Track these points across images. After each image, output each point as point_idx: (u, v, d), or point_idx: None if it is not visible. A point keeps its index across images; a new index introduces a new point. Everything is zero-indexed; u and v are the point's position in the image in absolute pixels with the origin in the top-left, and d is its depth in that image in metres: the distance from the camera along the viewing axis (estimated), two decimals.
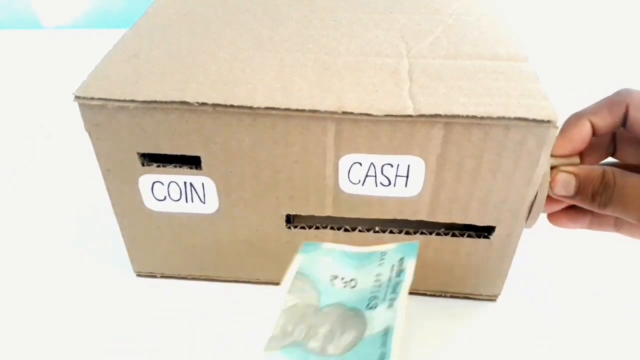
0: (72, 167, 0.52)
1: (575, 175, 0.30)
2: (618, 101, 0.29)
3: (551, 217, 0.34)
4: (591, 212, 0.33)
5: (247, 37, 0.36)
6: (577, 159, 0.31)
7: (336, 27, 0.37)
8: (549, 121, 0.28)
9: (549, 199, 0.32)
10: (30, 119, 0.61)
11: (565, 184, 0.30)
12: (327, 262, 0.31)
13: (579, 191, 0.30)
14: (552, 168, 0.31)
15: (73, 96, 0.30)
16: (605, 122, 0.30)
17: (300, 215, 0.36)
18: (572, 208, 0.33)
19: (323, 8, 0.40)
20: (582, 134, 0.30)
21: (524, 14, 0.77)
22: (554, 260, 0.42)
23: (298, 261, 0.31)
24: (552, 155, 0.30)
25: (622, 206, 0.28)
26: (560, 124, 0.29)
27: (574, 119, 0.30)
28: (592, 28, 0.81)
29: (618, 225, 0.33)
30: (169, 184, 0.34)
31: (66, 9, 0.82)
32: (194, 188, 0.34)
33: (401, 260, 0.29)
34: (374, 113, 0.29)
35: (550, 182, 0.31)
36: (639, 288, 0.40)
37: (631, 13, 0.82)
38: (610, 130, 0.31)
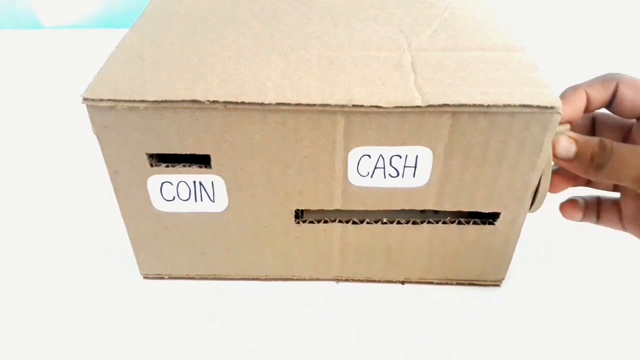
0: (74, 168, 0.52)
1: (575, 140, 0.32)
2: (610, 77, 0.32)
3: (562, 208, 0.36)
4: (598, 205, 0.35)
5: (248, 36, 0.36)
6: (568, 127, 0.32)
7: (335, 24, 0.38)
8: (552, 107, 0.29)
9: (553, 181, 0.33)
10: (31, 119, 0.60)
11: (567, 147, 0.32)
12: None
13: (578, 155, 0.31)
14: None
15: (81, 98, 0.30)
16: (598, 94, 0.32)
17: (308, 210, 0.36)
18: (576, 201, 0.35)
19: (320, 5, 0.41)
20: (579, 103, 0.32)
21: (514, 4, 0.79)
22: (557, 244, 0.44)
23: None
24: None
25: (617, 168, 0.30)
26: (562, 110, 0.30)
27: (572, 89, 0.33)
28: (583, 15, 0.84)
29: (623, 221, 0.34)
30: (178, 183, 0.34)
31: (66, 9, 0.81)
32: (204, 187, 0.34)
33: None
34: (384, 105, 0.30)
35: (553, 147, 0.32)
36: None
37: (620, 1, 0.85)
38: (601, 105, 0.33)
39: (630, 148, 0.30)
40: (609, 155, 0.30)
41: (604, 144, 0.30)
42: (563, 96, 0.32)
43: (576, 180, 0.35)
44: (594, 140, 0.31)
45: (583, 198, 0.36)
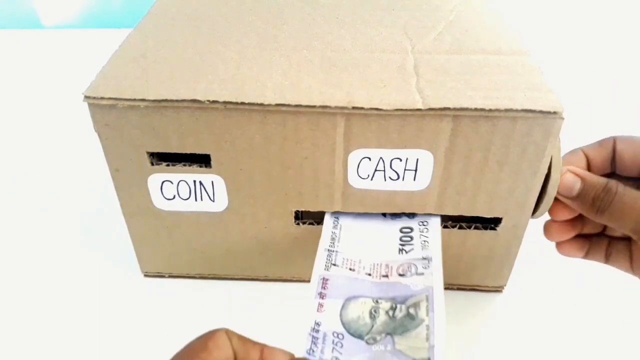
0: (75, 166, 0.52)
1: (582, 178, 0.31)
2: (606, 138, 0.32)
3: (560, 247, 0.35)
4: (608, 244, 0.34)
5: (252, 36, 0.36)
6: (583, 160, 0.32)
7: (340, 25, 0.38)
8: (555, 112, 0.29)
9: (554, 205, 0.33)
10: (31, 119, 0.61)
11: (571, 184, 0.31)
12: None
13: (581, 194, 0.31)
14: None
15: (82, 96, 0.30)
16: (597, 154, 0.32)
17: (308, 212, 0.36)
18: (579, 237, 0.35)
19: (325, 6, 0.41)
20: (577, 164, 0.32)
21: (521, 8, 0.78)
22: None
23: None
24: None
25: (618, 215, 0.29)
26: (565, 115, 0.29)
27: (570, 152, 0.33)
28: (590, 20, 0.83)
29: (632, 264, 0.33)
30: (179, 182, 0.34)
31: (66, 9, 0.82)
32: (204, 186, 0.34)
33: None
34: (384, 107, 0.29)
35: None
36: None
37: (625, 4, 0.84)
38: (602, 165, 0.32)
39: (634, 196, 0.29)
40: (611, 199, 0.29)
41: (609, 186, 0.30)
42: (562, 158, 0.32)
43: (590, 237, 0.34)
44: (601, 181, 0.30)
45: (587, 237, 0.35)
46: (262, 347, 0.25)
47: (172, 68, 0.32)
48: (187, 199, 0.35)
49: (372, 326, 0.29)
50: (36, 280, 0.41)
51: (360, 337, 0.28)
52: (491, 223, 0.36)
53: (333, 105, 0.30)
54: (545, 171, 0.32)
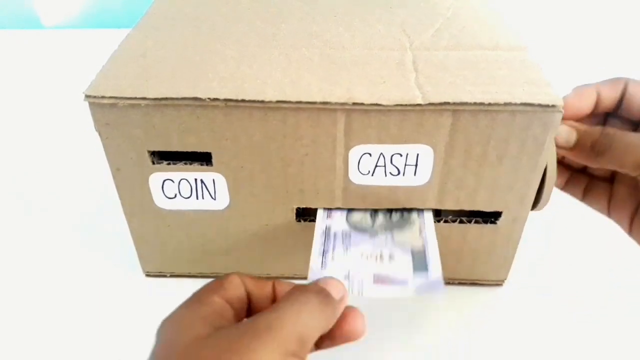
0: (76, 166, 0.52)
1: (576, 128, 0.32)
2: (619, 78, 0.32)
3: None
4: (588, 182, 0.35)
5: (251, 35, 0.36)
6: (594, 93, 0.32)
7: (338, 23, 0.38)
8: (553, 106, 0.29)
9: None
10: (32, 119, 0.61)
11: (567, 135, 0.32)
12: None
13: (578, 143, 0.31)
14: None
15: (83, 95, 0.30)
16: (608, 92, 0.32)
17: (309, 208, 0.36)
18: (560, 166, 0.35)
19: (323, 4, 0.41)
20: (588, 97, 0.32)
21: (517, 3, 0.78)
22: (560, 244, 0.43)
23: None
24: None
25: (620, 154, 0.30)
26: (563, 109, 0.30)
27: (582, 86, 0.33)
28: (586, 14, 0.83)
29: (610, 205, 0.34)
30: (180, 181, 0.34)
31: (66, 9, 0.82)
32: (205, 184, 0.34)
33: None
34: (384, 103, 0.30)
35: None
36: None
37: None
38: (610, 104, 0.32)
39: (635, 134, 0.30)
40: (610, 141, 0.30)
41: (607, 130, 0.30)
42: (574, 90, 0.32)
43: (572, 170, 0.35)
44: (597, 128, 0.31)
45: (570, 168, 0.36)
46: (274, 282, 0.27)
47: (172, 67, 0.32)
48: (188, 197, 0.35)
49: (373, 224, 0.35)
50: (37, 280, 0.41)
51: (364, 232, 0.34)
52: (491, 217, 0.36)
53: (333, 101, 0.30)
54: (544, 165, 0.32)
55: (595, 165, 0.31)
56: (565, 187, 0.36)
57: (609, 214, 0.34)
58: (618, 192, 0.34)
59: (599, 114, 0.33)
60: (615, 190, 0.34)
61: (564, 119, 0.31)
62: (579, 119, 0.32)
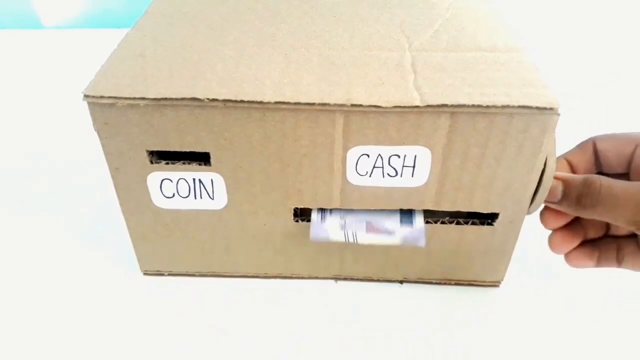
0: (75, 166, 0.52)
1: (562, 180, 0.31)
2: (585, 141, 0.33)
3: (568, 258, 0.35)
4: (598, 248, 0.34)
5: (250, 35, 0.36)
6: (565, 167, 0.33)
7: (337, 23, 0.38)
8: (551, 108, 0.29)
9: (545, 214, 0.34)
10: (31, 119, 0.60)
11: (553, 189, 0.31)
12: None
13: (565, 195, 0.31)
14: None
15: (82, 95, 0.30)
16: (579, 158, 0.33)
17: (307, 209, 0.37)
18: (587, 245, 0.34)
19: (322, 4, 0.41)
20: (561, 169, 0.33)
21: (516, 5, 0.79)
22: None
23: None
24: None
25: (610, 207, 0.29)
26: (561, 111, 0.30)
27: None
28: (584, 16, 0.83)
29: (619, 259, 0.33)
30: (178, 181, 0.34)
31: (66, 9, 0.82)
32: (203, 184, 0.35)
33: None
34: (383, 105, 0.30)
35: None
36: None
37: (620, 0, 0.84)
38: (586, 168, 0.33)
39: (624, 187, 0.29)
40: (596, 194, 0.29)
41: (589, 181, 0.29)
42: None
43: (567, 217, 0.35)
44: (579, 177, 0.30)
45: (595, 243, 0.34)
46: None
47: (171, 66, 0.32)
48: (186, 197, 0.35)
49: None
50: (35, 279, 0.41)
51: None
52: (488, 218, 0.36)
53: (332, 102, 0.30)
54: (542, 167, 0.32)
55: (590, 217, 0.30)
56: (599, 263, 0.34)
57: (619, 266, 0.33)
58: (626, 247, 0.33)
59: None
60: (622, 245, 0.33)
61: None
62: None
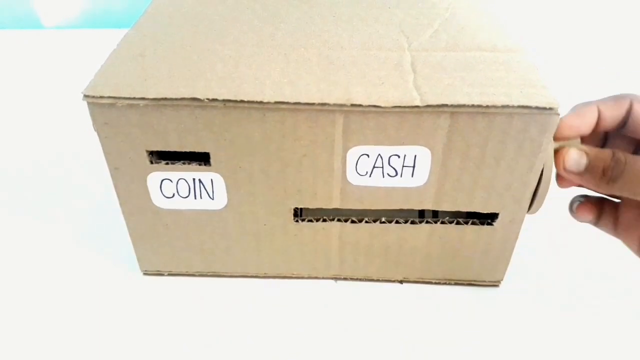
0: (75, 166, 0.52)
1: (586, 152, 0.30)
2: (624, 96, 0.31)
3: (578, 211, 0.34)
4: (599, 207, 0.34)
5: (249, 35, 0.36)
6: (579, 141, 0.32)
7: (336, 23, 0.38)
8: (550, 108, 0.29)
9: (582, 206, 0.33)
10: (31, 119, 0.60)
11: (577, 160, 0.30)
12: None
13: (589, 168, 0.30)
14: (555, 151, 0.31)
15: (82, 95, 0.30)
16: (611, 111, 0.31)
17: (307, 209, 0.37)
18: (590, 202, 0.34)
19: (322, 4, 0.41)
20: (589, 117, 0.31)
21: (515, 5, 0.79)
22: (556, 245, 0.44)
23: None
24: (555, 139, 0.31)
25: (631, 182, 0.29)
26: (560, 111, 0.30)
27: (583, 104, 0.31)
28: (584, 16, 0.83)
29: (617, 227, 0.33)
30: (178, 181, 0.34)
31: (66, 9, 0.82)
32: (203, 184, 0.35)
33: None
34: (382, 104, 0.30)
35: (561, 159, 0.31)
36: None
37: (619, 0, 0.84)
38: (613, 123, 0.31)
39: None
40: (622, 168, 0.29)
41: (618, 156, 0.29)
42: (573, 109, 0.31)
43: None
44: (607, 152, 0.30)
45: (588, 198, 0.34)
46: None
47: (171, 66, 0.32)
48: (186, 197, 0.35)
49: None
50: (35, 279, 0.41)
51: None
52: (488, 218, 0.36)
53: (332, 102, 0.30)
54: (541, 167, 0.32)
55: (605, 192, 0.30)
56: (598, 223, 0.34)
57: (616, 234, 0.33)
58: (626, 215, 0.32)
59: (599, 132, 0.32)
60: (622, 212, 0.33)
61: (562, 139, 0.31)
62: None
